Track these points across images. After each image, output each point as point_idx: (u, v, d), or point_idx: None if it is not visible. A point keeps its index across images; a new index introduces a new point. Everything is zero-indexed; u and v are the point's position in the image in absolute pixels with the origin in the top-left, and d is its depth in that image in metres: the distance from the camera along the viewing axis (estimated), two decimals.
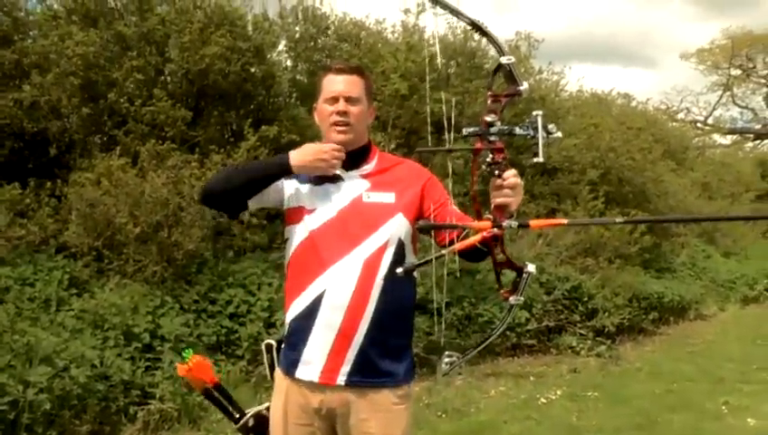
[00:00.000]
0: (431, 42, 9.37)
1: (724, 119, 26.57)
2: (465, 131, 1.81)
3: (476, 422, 5.03)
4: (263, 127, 6.46)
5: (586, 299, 7.94)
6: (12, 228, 5.25)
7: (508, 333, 7.02)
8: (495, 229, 1.79)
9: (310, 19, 8.37)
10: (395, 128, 7.16)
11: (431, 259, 1.84)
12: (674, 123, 20.70)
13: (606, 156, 9.83)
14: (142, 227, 5.34)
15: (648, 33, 40.87)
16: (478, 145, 1.81)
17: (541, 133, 1.74)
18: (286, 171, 2.04)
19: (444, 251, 1.85)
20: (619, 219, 1.78)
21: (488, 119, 1.79)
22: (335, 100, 2.08)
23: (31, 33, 6.96)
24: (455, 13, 1.83)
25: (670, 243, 11.04)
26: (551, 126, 1.75)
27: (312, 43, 8.31)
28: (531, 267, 1.81)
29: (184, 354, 2.36)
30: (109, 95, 6.35)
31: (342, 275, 2.02)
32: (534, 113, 1.75)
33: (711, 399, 5.95)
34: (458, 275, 6.31)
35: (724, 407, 5.72)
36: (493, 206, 1.83)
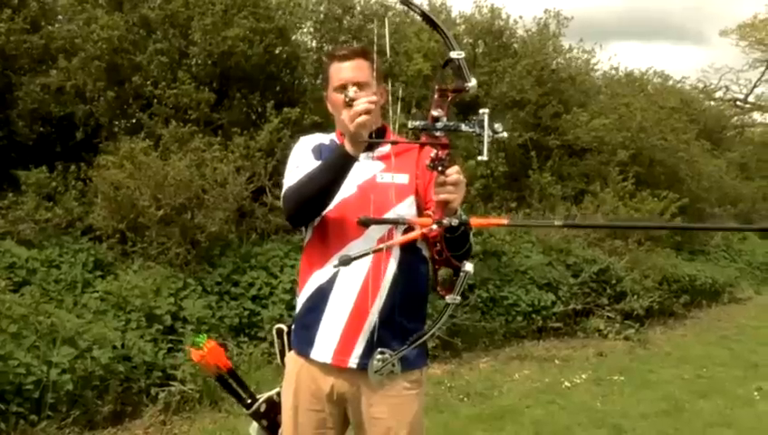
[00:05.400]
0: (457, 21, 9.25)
1: (765, 97, 25.66)
2: (410, 125, 1.78)
3: (498, 406, 4.98)
4: (285, 109, 6.44)
5: (614, 282, 7.82)
6: (39, 211, 5.33)
7: (534, 316, 6.96)
8: (435, 226, 1.75)
9: None
10: (419, 108, 7.07)
11: (370, 252, 1.79)
12: (711, 102, 20.13)
13: (637, 136, 9.64)
14: (165, 209, 5.37)
15: (699, 7, 39.02)
16: (423, 139, 1.79)
17: (486, 131, 1.70)
18: (351, 160, 1.93)
19: (382, 245, 1.83)
20: (558, 222, 1.73)
21: (434, 113, 1.76)
22: (344, 87, 2.05)
23: (58, 17, 7.04)
24: (405, 2, 1.85)
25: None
26: (497, 125, 1.71)
27: (338, 24, 8.25)
28: (468, 267, 1.76)
29: (198, 339, 2.36)
30: (133, 78, 6.39)
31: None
32: (481, 111, 1.72)
33: (743, 385, 5.82)
34: (482, 256, 6.24)
35: (756, 393, 5.58)
36: (435, 202, 1.80)
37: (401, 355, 1.78)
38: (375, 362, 1.77)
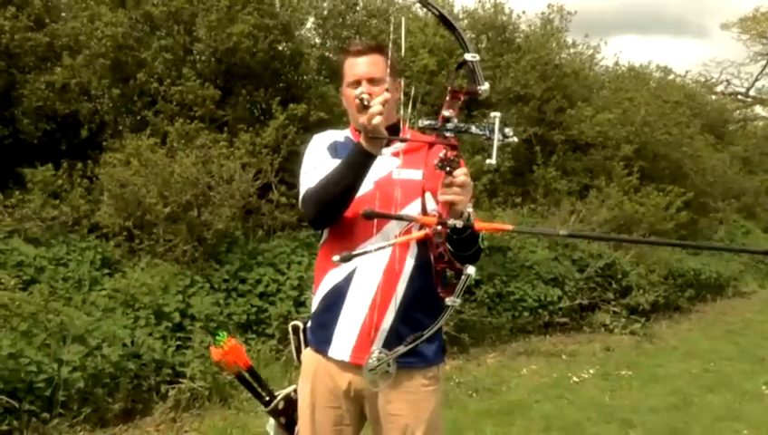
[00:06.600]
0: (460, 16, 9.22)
1: (767, 90, 25.56)
2: (420, 123, 1.77)
3: (507, 401, 4.98)
4: (291, 105, 6.43)
5: (620, 276, 7.82)
6: (45, 209, 5.32)
7: (540, 311, 6.96)
8: (439, 226, 1.74)
9: None
10: (424, 104, 7.05)
11: (370, 250, 1.76)
12: (713, 96, 20.11)
13: (641, 130, 9.63)
14: (172, 206, 5.36)
15: (699, 0, 38.89)
16: (432, 139, 1.78)
17: (497, 135, 1.68)
18: (371, 157, 1.93)
19: (384, 244, 1.80)
20: (562, 231, 1.70)
21: (446, 114, 1.74)
22: (358, 83, 2.04)
23: (62, 15, 7.01)
24: (424, 3, 1.82)
25: (708, 219, 10.80)
26: (507, 129, 1.70)
27: (341, 20, 8.23)
28: (470, 270, 1.74)
29: (218, 338, 2.35)
30: (138, 76, 6.38)
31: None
32: (492, 115, 1.70)
33: (751, 379, 5.83)
34: (488, 252, 6.20)
35: (764, 387, 5.60)
36: (440, 202, 1.79)
37: (396, 356, 1.76)
38: (371, 360, 1.74)
